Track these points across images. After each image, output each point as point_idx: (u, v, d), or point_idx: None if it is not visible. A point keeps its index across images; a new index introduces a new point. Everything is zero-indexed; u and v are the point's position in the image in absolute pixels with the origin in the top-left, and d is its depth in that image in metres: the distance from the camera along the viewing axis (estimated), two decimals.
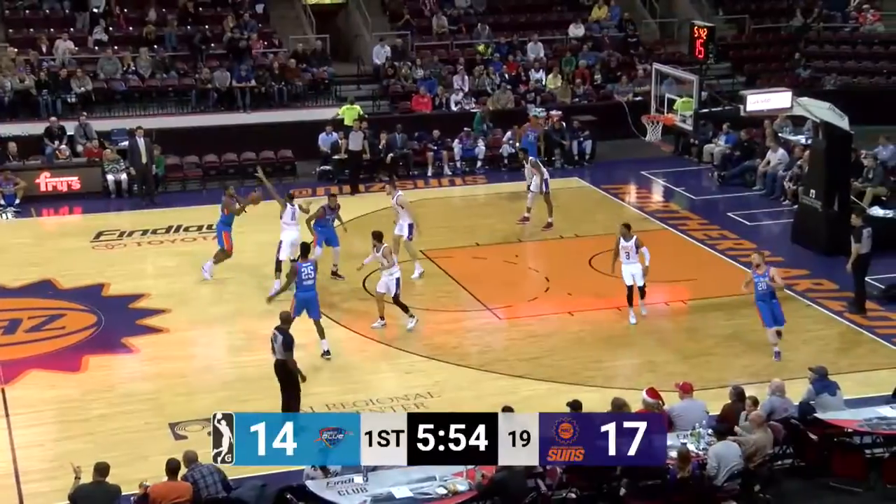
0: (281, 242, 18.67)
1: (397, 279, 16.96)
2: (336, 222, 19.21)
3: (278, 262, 18.60)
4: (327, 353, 16.03)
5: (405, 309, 17.08)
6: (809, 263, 19.66)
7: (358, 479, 11.70)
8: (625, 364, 16.21)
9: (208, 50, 28.45)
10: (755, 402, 12.74)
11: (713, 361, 16.15)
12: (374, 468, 11.94)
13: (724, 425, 12.37)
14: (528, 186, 22.00)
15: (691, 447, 12.14)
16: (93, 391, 15.34)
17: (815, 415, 12.98)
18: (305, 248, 16.61)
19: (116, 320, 17.69)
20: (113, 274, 19.68)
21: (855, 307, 17.78)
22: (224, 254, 19.27)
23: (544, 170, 22.13)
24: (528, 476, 11.80)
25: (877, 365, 15.89)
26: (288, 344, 13.87)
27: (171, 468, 11.42)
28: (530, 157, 22.41)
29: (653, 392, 13.08)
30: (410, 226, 19.18)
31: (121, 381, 15.82)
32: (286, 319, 14.19)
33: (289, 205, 18.85)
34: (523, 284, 19.26)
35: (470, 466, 11.77)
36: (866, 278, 17.90)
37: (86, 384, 15.58)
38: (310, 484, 11.76)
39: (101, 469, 11.32)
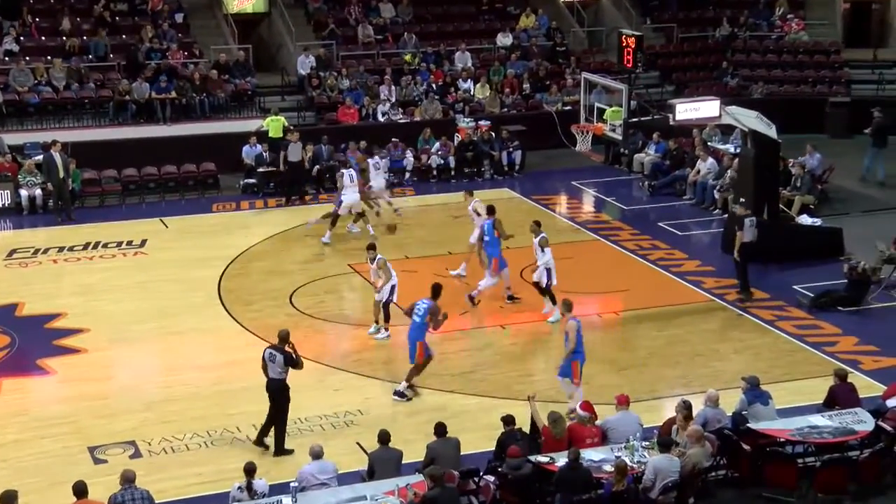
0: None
1: (393, 286, 17.17)
2: None
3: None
4: (402, 395, 15.50)
5: (387, 318, 17.29)
6: None
7: (287, 500, 11.59)
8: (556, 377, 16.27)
9: (131, 61, 28.09)
10: (687, 416, 12.81)
11: (646, 373, 16.31)
12: (303, 489, 11.84)
13: (668, 438, 12.45)
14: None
15: (626, 460, 12.22)
16: (6, 415, 14.99)
17: (748, 425, 13.16)
18: (437, 290, 15.98)
19: (31, 341, 17.35)
20: (27, 293, 19.30)
21: (744, 294, 18.66)
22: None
23: (344, 185, 21.77)
24: (461, 493, 11.79)
25: (808, 373, 16.18)
26: (290, 361, 13.80)
27: (77, 489, 11.20)
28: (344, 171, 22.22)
29: (587, 405, 13.17)
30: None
31: (36, 404, 15.50)
32: (284, 338, 13.99)
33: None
34: (454, 297, 19.27)
35: (402, 485, 11.74)
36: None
37: None
38: None
39: (8, 497, 10.99)
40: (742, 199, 19.97)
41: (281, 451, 13.83)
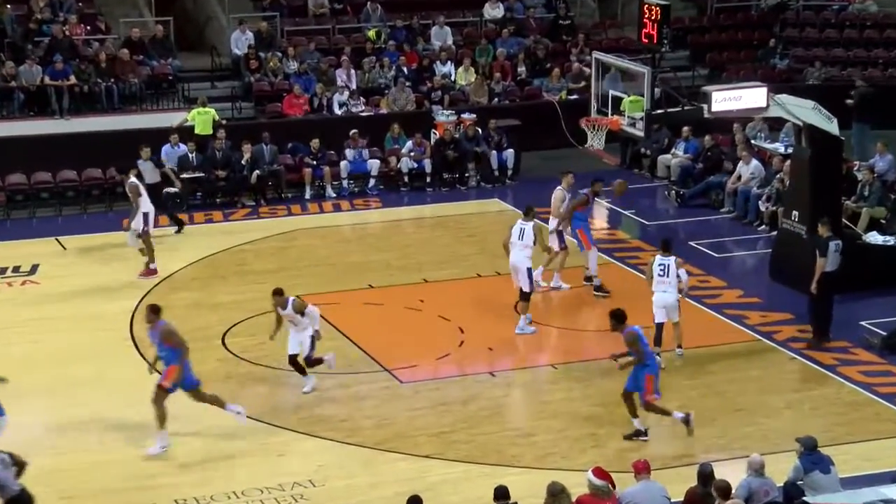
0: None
1: (311, 337, 17.17)
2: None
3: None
4: None
5: (303, 370, 17.28)
6: (793, 305, 20.00)
7: None
8: (562, 438, 16.30)
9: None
10: (725, 493, 12.75)
11: (674, 432, 16.34)
12: None
13: None
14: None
15: None
16: None
17: (805, 498, 13.21)
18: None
19: None
20: None
21: (815, 339, 18.63)
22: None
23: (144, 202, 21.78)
24: None
25: (879, 433, 16.24)
26: None
27: None
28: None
29: (600, 472, 13.18)
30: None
31: None
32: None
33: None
34: (431, 337, 19.30)
35: None
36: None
37: None
38: None
39: None
40: (798, 215, 20.09)
41: None
